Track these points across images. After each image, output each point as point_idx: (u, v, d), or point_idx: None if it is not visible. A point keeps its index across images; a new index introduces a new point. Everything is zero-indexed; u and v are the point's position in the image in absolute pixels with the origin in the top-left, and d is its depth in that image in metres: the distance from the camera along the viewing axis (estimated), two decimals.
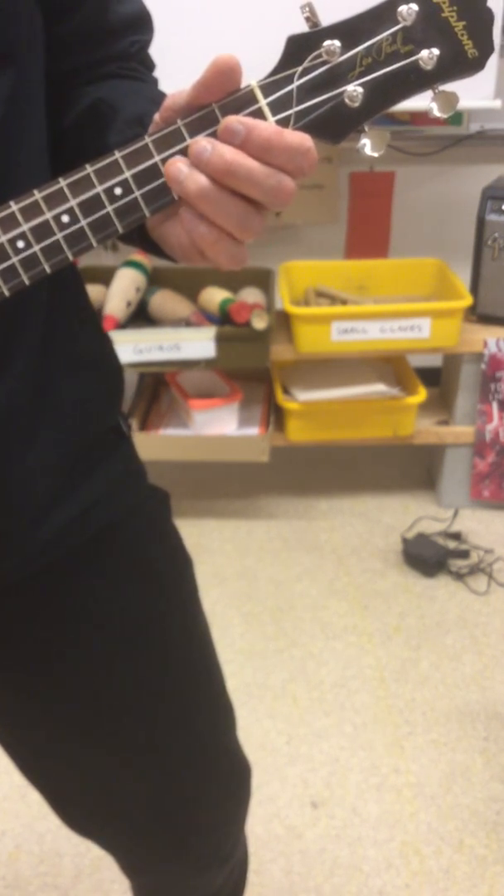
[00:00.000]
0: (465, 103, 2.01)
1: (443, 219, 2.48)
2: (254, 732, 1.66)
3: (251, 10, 1.82)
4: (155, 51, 0.73)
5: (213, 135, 0.50)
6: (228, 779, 0.88)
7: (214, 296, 2.14)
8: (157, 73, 0.73)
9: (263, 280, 2.26)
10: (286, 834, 1.47)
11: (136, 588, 0.76)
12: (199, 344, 2.01)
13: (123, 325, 2.09)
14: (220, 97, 0.50)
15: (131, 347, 2.01)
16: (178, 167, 0.50)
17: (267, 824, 1.49)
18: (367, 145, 0.51)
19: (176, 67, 0.73)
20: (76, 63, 0.67)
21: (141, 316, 2.16)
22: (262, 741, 1.65)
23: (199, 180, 0.49)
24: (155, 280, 2.20)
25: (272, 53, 0.51)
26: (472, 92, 1.92)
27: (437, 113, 0.50)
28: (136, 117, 0.61)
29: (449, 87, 0.51)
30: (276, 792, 1.55)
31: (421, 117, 2.32)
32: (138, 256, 2.19)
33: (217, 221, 0.50)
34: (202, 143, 0.49)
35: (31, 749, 0.82)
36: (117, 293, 2.10)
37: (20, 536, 0.67)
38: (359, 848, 1.45)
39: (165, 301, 2.15)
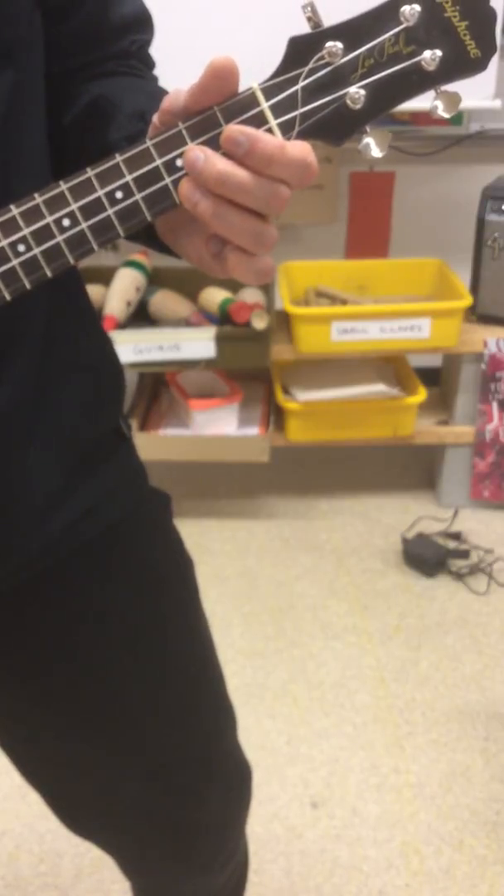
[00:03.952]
0: (465, 103, 1.99)
1: (443, 219, 2.48)
2: (254, 732, 1.66)
3: (252, 11, 1.81)
4: (155, 51, 0.73)
5: (215, 138, 0.50)
6: (229, 781, 0.88)
7: (214, 296, 2.14)
8: (158, 74, 0.73)
9: None
10: (286, 834, 1.47)
11: (137, 590, 0.76)
12: (199, 344, 2.01)
13: (123, 325, 2.09)
14: (219, 100, 0.50)
15: (131, 347, 2.01)
16: (190, 188, 0.50)
17: (267, 824, 1.49)
18: (371, 146, 0.51)
19: (176, 69, 0.73)
20: (76, 62, 0.66)
21: (141, 316, 2.16)
22: (262, 741, 1.64)
23: (209, 205, 0.50)
24: (155, 280, 2.20)
25: (273, 55, 0.51)
26: (473, 92, 1.91)
27: (440, 113, 0.50)
28: (137, 112, 0.61)
29: (450, 86, 0.51)
30: (276, 792, 1.55)
31: (421, 117, 2.32)
32: (138, 256, 2.19)
33: (234, 241, 0.51)
34: (195, 152, 0.49)
35: (30, 750, 0.82)
36: (117, 293, 2.10)
37: (20, 539, 0.67)
38: (359, 848, 1.45)
39: (165, 301, 2.15)
